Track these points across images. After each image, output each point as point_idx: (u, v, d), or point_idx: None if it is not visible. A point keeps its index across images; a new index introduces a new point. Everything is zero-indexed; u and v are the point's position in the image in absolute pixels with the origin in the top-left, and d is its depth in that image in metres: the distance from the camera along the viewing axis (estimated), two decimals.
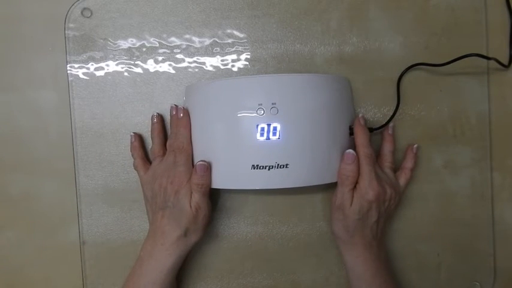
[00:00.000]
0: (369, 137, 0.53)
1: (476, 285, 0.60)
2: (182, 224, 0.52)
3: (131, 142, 0.57)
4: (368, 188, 0.51)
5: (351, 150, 0.52)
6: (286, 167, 0.50)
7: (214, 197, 0.59)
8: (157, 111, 0.58)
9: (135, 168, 0.57)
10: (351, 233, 0.53)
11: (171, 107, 0.56)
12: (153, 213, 0.54)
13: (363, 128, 0.54)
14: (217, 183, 0.53)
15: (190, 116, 0.55)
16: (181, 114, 0.54)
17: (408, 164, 0.57)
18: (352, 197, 0.52)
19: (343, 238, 0.54)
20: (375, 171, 0.53)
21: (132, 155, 0.57)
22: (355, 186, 0.53)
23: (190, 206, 0.51)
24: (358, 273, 0.54)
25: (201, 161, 0.51)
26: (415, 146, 0.57)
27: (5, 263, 0.60)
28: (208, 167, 0.51)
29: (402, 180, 0.56)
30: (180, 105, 0.55)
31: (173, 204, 0.52)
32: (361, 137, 0.53)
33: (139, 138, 0.58)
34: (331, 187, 0.59)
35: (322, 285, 0.60)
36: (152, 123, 0.57)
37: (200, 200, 0.51)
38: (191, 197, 0.51)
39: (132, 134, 0.57)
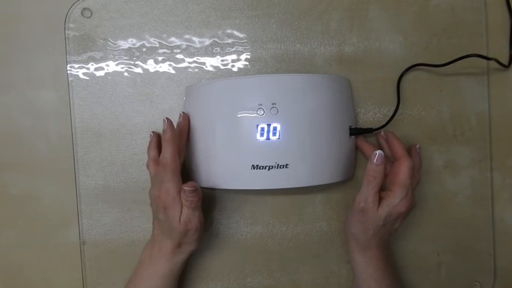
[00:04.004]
0: None
1: (476, 285, 0.60)
2: (173, 237, 0.51)
3: (150, 141, 0.57)
4: (403, 200, 0.50)
5: (380, 151, 0.50)
6: (286, 167, 0.50)
7: (214, 197, 0.59)
8: (162, 113, 0.58)
9: (147, 167, 0.56)
10: (369, 236, 0.52)
11: (163, 119, 0.52)
12: (153, 219, 0.55)
13: (398, 138, 0.54)
14: (218, 183, 0.53)
15: (190, 116, 0.55)
16: (164, 127, 0.52)
17: (416, 165, 0.56)
18: (379, 200, 0.51)
19: (360, 240, 0.53)
20: (413, 184, 0.52)
21: (148, 153, 0.57)
22: (382, 190, 0.52)
23: (180, 221, 0.50)
24: (369, 273, 0.53)
25: (189, 184, 0.49)
26: (418, 146, 0.57)
27: (5, 263, 0.60)
28: (196, 188, 0.50)
29: (413, 184, 0.55)
30: (167, 120, 0.52)
31: (163, 218, 0.52)
32: (401, 147, 0.52)
33: (157, 137, 0.57)
34: (331, 187, 0.59)
35: (322, 285, 0.60)
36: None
37: (191, 215, 0.50)
38: (181, 212, 0.50)
39: (151, 132, 0.57)
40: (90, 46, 0.58)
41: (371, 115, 0.59)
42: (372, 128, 0.56)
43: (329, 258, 0.60)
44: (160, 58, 0.58)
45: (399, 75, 0.58)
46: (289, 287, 0.60)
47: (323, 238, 0.60)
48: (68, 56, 0.58)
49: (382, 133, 0.57)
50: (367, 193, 0.51)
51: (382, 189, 0.52)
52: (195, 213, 0.51)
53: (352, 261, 0.55)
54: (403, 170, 0.51)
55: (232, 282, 0.60)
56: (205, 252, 0.60)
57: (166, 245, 0.52)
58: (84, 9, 0.58)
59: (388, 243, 0.55)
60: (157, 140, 0.57)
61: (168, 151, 0.51)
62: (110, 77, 0.58)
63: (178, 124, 0.54)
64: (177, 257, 0.53)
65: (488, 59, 0.57)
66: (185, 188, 0.49)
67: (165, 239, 0.52)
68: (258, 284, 0.60)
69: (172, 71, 0.59)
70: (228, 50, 0.59)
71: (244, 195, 0.59)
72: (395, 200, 0.50)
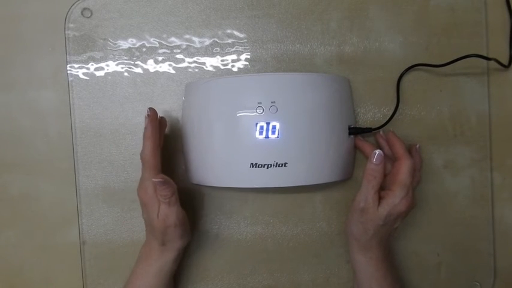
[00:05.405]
0: None
1: (476, 285, 0.60)
2: (156, 235, 0.51)
3: None
4: (404, 200, 0.50)
5: (379, 150, 0.50)
6: (285, 166, 0.50)
7: (214, 196, 0.59)
8: (162, 113, 0.57)
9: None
10: (370, 236, 0.52)
11: (145, 116, 0.52)
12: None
13: (399, 138, 0.54)
14: (216, 181, 0.53)
15: (190, 114, 0.55)
16: (145, 125, 0.51)
17: (417, 165, 0.56)
18: (379, 199, 0.51)
19: (361, 240, 0.53)
20: (413, 183, 0.52)
21: None
22: (382, 189, 0.52)
23: (158, 218, 0.50)
24: (370, 273, 0.53)
25: (159, 176, 0.49)
26: (418, 145, 0.57)
27: (5, 263, 0.60)
28: (166, 180, 0.49)
29: (414, 183, 0.55)
30: (149, 111, 0.52)
31: (146, 217, 0.52)
32: (402, 146, 0.52)
33: None
34: (331, 187, 0.59)
35: (322, 285, 0.60)
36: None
37: (167, 211, 0.50)
38: (159, 209, 0.50)
39: None
40: (90, 46, 0.58)
41: (371, 115, 0.59)
42: (371, 128, 0.56)
43: (329, 258, 0.60)
44: (160, 58, 0.58)
45: (399, 75, 0.58)
46: (289, 287, 0.60)
47: (323, 238, 0.60)
48: (68, 56, 0.58)
49: (381, 133, 0.57)
50: (367, 193, 0.51)
51: (382, 189, 0.52)
52: (172, 209, 0.50)
53: (352, 261, 0.55)
54: (403, 169, 0.51)
55: (232, 282, 0.60)
56: (206, 252, 0.60)
57: (153, 244, 0.52)
58: (84, 9, 0.58)
59: (388, 243, 0.55)
60: None
61: (147, 148, 0.50)
62: (110, 77, 0.59)
63: (151, 119, 0.52)
64: (165, 255, 0.53)
65: (488, 59, 0.57)
66: (154, 180, 0.49)
67: (151, 238, 0.53)
68: (258, 284, 0.60)
69: (172, 71, 0.59)
70: (228, 50, 0.59)
71: (244, 194, 0.59)
72: (396, 199, 0.50)
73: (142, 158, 0.51)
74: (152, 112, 0.52)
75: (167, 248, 0.52)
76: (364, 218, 0.51)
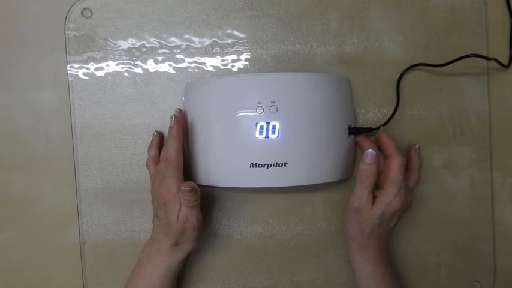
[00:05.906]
0: None
1: (476, 285, 0.60)
2: (171, 235, 0.51)
3: (152, 140, 0.57)
4: (397, 197, 0.50)
5: (371, 150, 0.51)
6: (285, 166, 0.50)
7: (214, 196, 0.59)
8: (162, 113, 0.58)
9: (146, 166, 0.56)
10: (366, 236, 0.52)
11: (171, 116, 0.53)
12: (153, 217, 0.55)
13: (390, 136, 0.54)
14: (216, 181, 0.53)
15: (190, 113, 0.55)
16: (171, 124, 0.52)
17: (415, 164, 0.57)
18: (373, 199, 0.51)
19: (358, 240, 0.53)
20: (405, 180, 0.52)
21: (148, 152, 0.57)
22: (377, 188, 0.52)
23: (178, 219, 0.50)
24: (368, 274, 0.53)
25: (187, 183, 0.49)
26: (417, 145, 0.57)
27: (5, 263, 0.60)
28: (194, 188, 0.50)
29: (412, 183, 0.56)
30: (177, 112, 0.53)
31: (163, 215, 0.52)
32: (392, 144, 0.53)
33: (160, 137, 0.57)
34: (331, 187, 0.59)
35: (322, 285, 0.60)
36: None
37: (188, 214, 0.50)
38: (180, 210, 0.50)
39: (154, 131, 0.57)
40: (90, 46, 0.58)
41: (371, 115, 0.59)
42: (371, 128, 0.56)
43: (329, 258, 0.60)
44: (160, 58, 0.58)
45: (399, 75, 0.58)
46: (289, 287, 0.60)
47: (323, 238, 0.60)
48: (68, 56, 0.58)
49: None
50: (360, 193, 0.51)
51: (377, 188, 0.52)
52: (193, 212, 0.51)
53: (351, 261, 0.55)
54: (394, 167, 0.51)
55: (232, 282, 0.60)
56: (205, 252, 0.60)
57: (165, 244, 0.52)
58: (84, 9, 0.58)
59: (386, 243, 0.55)
60: (160, 139, 0.57)
61: (172, 147, 0.51)
62: (110, 77, 0.59)
63: (178, 120, 0.53)
64: (175, 255, 0.53)
65: (488, 59, 0.57)
66: (182, 187, 0.49)
67: (163, 237, 0.52)
68: (258, 284, 0.60)
69: (172, 71, 0.59)
70: (228, 50, 0.59)
71: (244, 194, 0.59)
72: (389, 197, 0.50)
73: (166, 158, 0.51)
74: (180, 114, 0.53)
75: (179, 248, 0.52)
76: (359, 218, 0.51)
